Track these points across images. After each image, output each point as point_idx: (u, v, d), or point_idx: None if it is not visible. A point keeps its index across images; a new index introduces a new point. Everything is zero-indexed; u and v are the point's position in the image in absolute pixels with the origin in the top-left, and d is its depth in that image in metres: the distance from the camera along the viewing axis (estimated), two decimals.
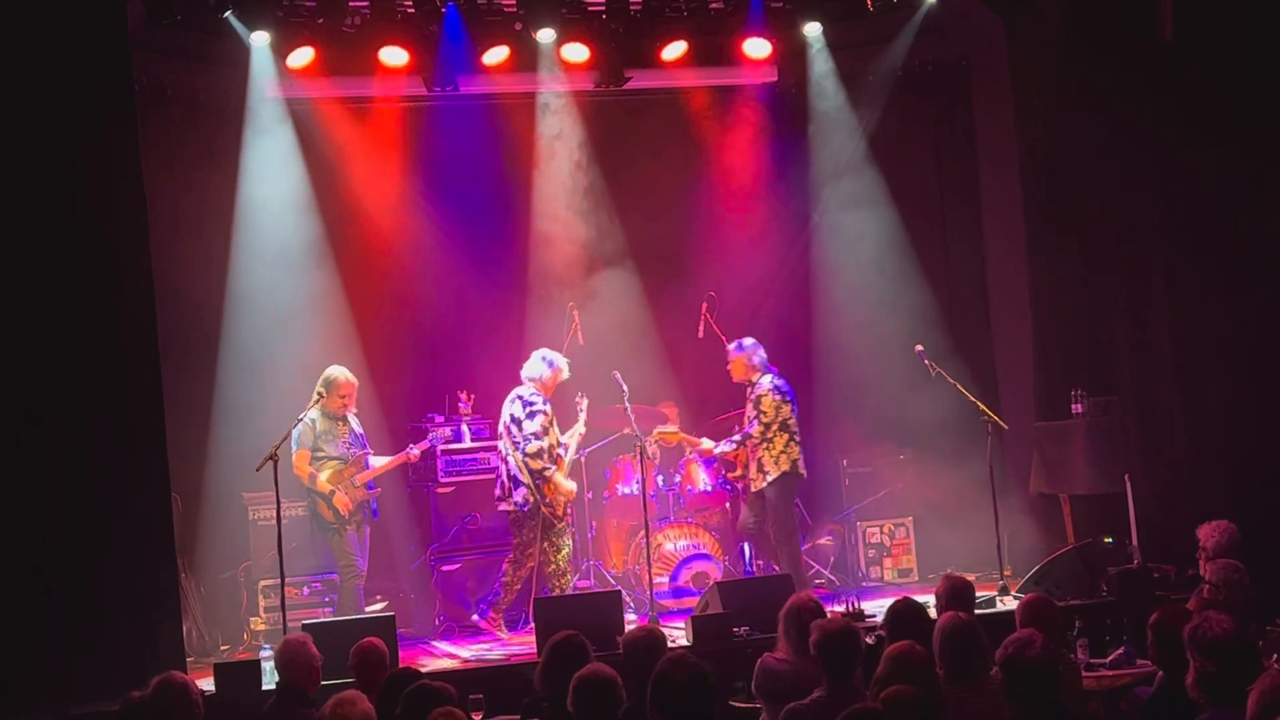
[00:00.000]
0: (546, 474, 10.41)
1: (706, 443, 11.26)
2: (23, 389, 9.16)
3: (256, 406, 11.33)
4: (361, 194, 12.28)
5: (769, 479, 10.81)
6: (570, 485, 10.65)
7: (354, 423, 10.54)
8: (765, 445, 10.90)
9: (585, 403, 10.91)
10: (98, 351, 9.35)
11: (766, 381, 10.85)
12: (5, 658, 8.90)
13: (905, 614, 6.80)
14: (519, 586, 10.65)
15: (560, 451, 10.63)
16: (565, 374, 10.70)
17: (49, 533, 9.10)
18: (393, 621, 9.29)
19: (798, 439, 10.98)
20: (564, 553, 10.58)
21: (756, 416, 10.75)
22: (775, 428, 10.89)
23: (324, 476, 10.38)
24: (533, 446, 10.38)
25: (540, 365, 10.64)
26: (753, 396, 10.86)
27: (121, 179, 9.42)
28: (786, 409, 10.85)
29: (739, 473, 11.16)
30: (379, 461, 10.66)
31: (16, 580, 9.01)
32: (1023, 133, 11.87)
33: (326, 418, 10.36)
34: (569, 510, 10.76)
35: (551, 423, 10.57)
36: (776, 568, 11.56)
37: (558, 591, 10.47)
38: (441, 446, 11.25)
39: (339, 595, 10.50)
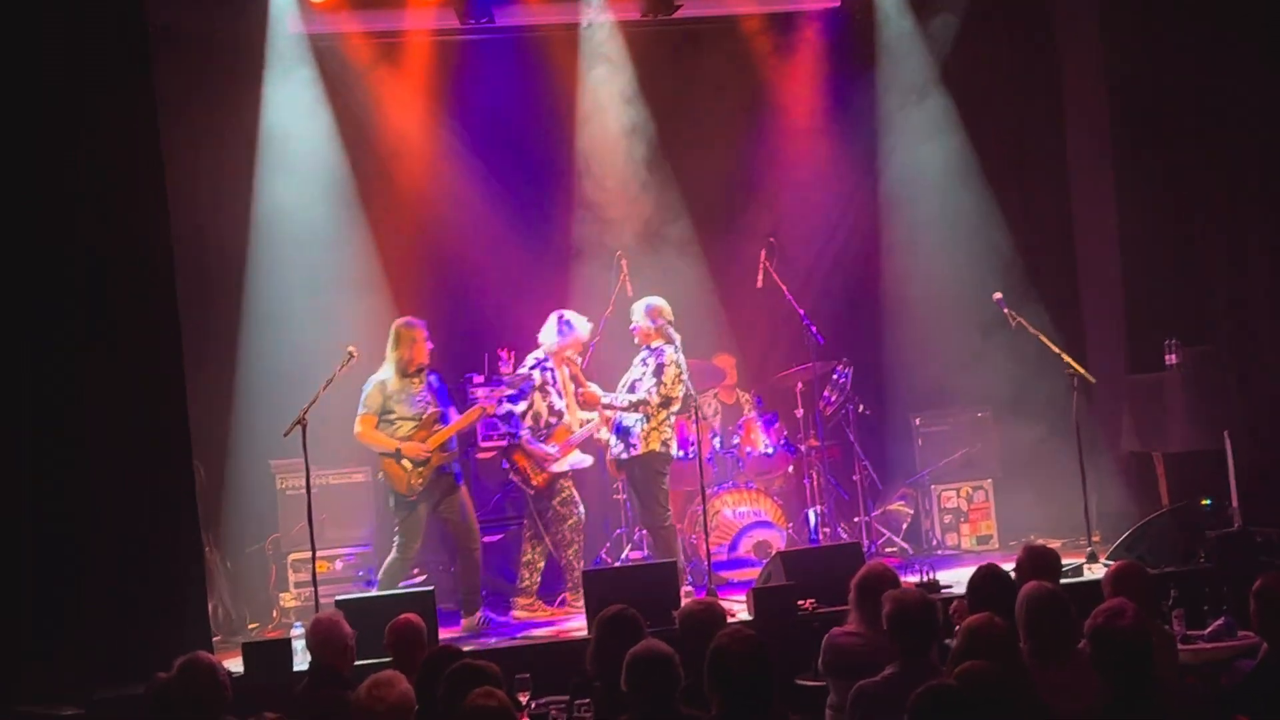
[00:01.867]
0: (513, 440, 10.62)
1: (594, 388, 10.79)
2: (36, 353, 9.27)
3: (284, 367, 11.41)
4: (392, 138, 12.31)
5: (634, 452, 10.58)
6: (557, 455, 10.67)
7: (432, 378, 10.47)
8: (644, 417, 10.65)
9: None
10: (115, 311, 9.43)
11: (671, 351, 10.58)
12: (27, 642, 9.00)
13: (987, 583, 6.78)
14: (542, 564, 10.77)
15: (552, 420, 10.69)
16: (585, 335, 10.75)
17: (66, 510, 9.19)
18: (432, 597, 9.34)
19: (674, 420, 10.83)
20: (570, 522, 10.68)
21: (655, 386, 10.49)
22: (664, 402, 10.65)
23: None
24: (503, 409, 10.61)
25: (550, 330, 10.72)
26: (653, 363, 10.58)
27: (136, 130, 9.47)
28: (679, 388, 10.60)
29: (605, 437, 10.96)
30: (453, 419, 10.54)
31: (35, 561, 9.11)
32: (1111, 63, 11.78)
33: (400, 375, 10.30)
34: (564, 481, 10.76)
35: (545, 389, 10.69)
36: (845, 536, 11.69)
37: (564, 563, 10.64)
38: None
39: (384, 570, 10.35)
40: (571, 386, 10.84)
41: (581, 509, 10.84)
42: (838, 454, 12.39)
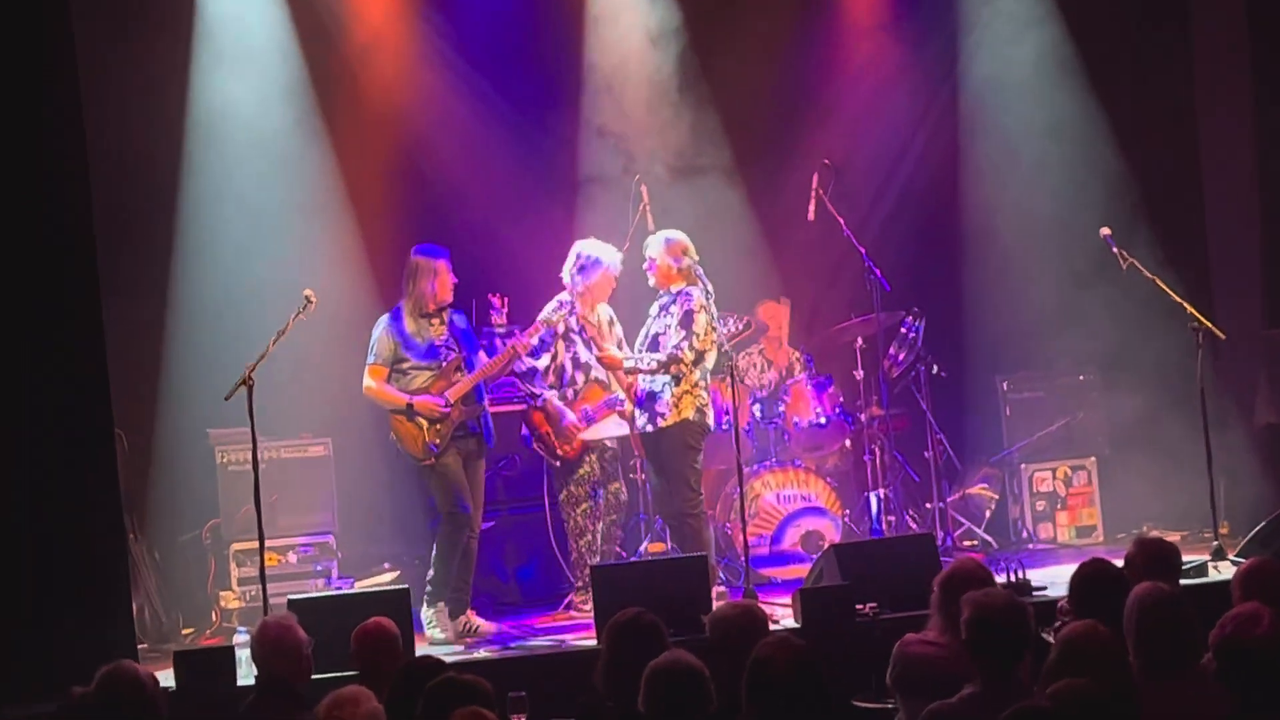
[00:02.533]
0: (535, 400, 10.72)
1: (612, 349, 10.75)
2: None
3: (226, 313, 11.51)
4: (362, 33, 12.35)
5: (662, 422, 10.56)
6: (583, 424, 10.74)
7: (456, 317, 10.59)
8: (673, 379, 10.61)
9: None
10: (14, 237, 9.40)
11: (700, 294, 10.54)
12: None
13: (1097, 583, 6.76)
14: (589, 538, 10.83)
15: (577, 376, 10.75)
16: (614, 266, 10.72)
17: None
18: (407, 596, 9.38)
19: (709, 382, 10.82)
20: (582, 507, 10.79)
21: (687, 338, 10.45)
22: (697, 359, 10.60)
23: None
24: (523, 365, 10.65)
25: (569, 268, 10.76)
26: (678, 311, 10.53)
27: (38, 8, 9.44)
28: (711, 338, 10.57)
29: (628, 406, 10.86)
30: (480, 365, 10.52)
31: None
32: None
33: (417, 315, 10.42)
34: (591, 455, 10.84)
35: (570, 338, 10.74)
36: (914, 526, 11.77)
37: (574, 555, 10.79)
38: None
39: (440, 548, 10.34)
40: (609, 330, 10.84)
41: (605, 491, 10.89)
42: (906, 425, 12.43)
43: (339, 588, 11.13)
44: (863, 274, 11.59)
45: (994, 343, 12.91)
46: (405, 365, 10.34)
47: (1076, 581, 6.84)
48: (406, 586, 9.79)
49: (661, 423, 10.49)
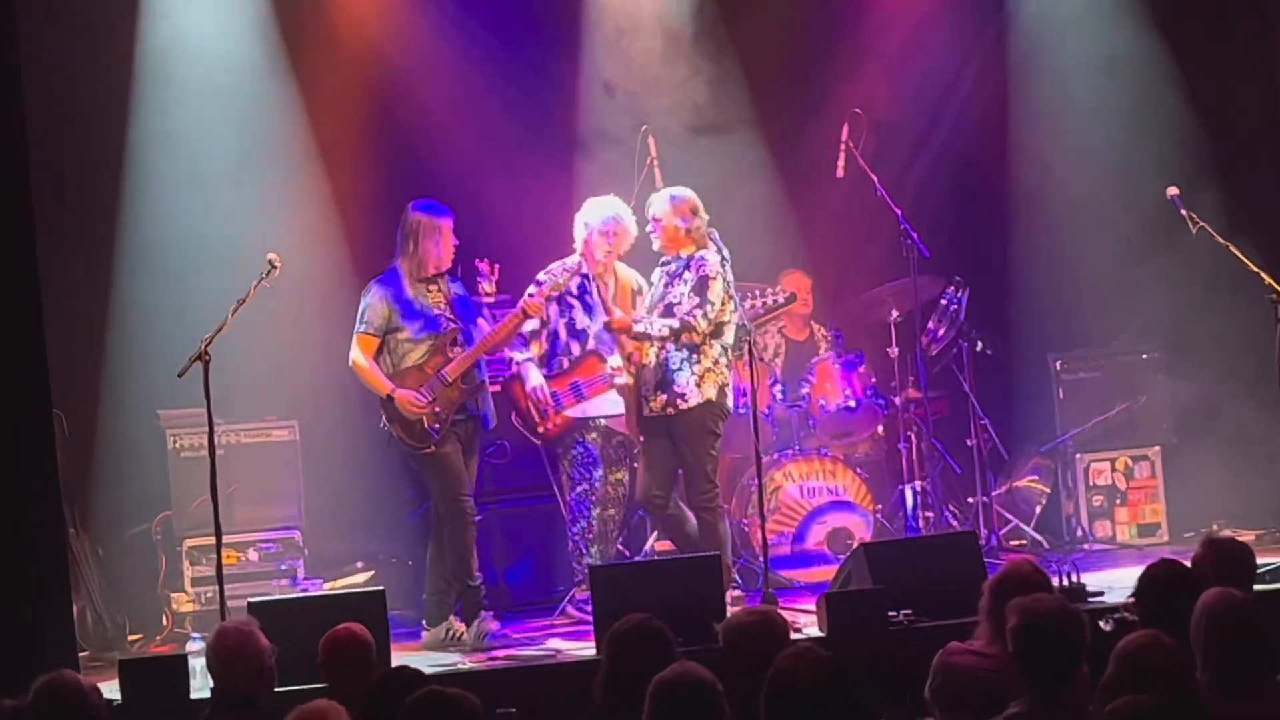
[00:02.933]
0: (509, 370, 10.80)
1: (620, 313, 10.67)
2: None
3: (179, 278, 11.56)
4: None
5: (686, 403, 10.54)
6: (560, 404, 10.74)
7: (455, 286, 10.60)
8: (695, 351, 10.57)
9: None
10: None
11: (715, 259, 10.53)
12: None
13: (1169, 585, 6.72)
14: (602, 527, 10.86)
15: (571, 343, 10.79)
16: (625, 226, 10.67)
17: None
18: (382, 600, 9.40)
19: (729, 358, 10.78)
20: (579, 489, 10.83)
21: (701, 306, 10.43)
22: (715, 331, 10.60)
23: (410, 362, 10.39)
24: (527, 326, 10.72)
25: (578, 223, 10.76)
26: (691, 277, 10.50)
27: None
28: (730, 308, 10.57)
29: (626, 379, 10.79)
30: (480, 337, 10.49)
31: None
32: None
33: (414, 280, 10.42)
34: (586, 434, 10.84)
35: (567, 301, 10.77)
36: (955, 523, 11.76)
37: (570, 545, 10.81)
38: None
39: (436, 546, 10.39)
40: (633, 300, 10.85)
41: (604, 476, 10.86)
42: (946, 409, 12.46)
43: (305, 589, 11.13)
44: (898, 238, 11.56)
45: (1046, 317, 12.89)
46: (401, 336, 10.33)
47: (1145, 583, 6.82)
48: (382, 588, 9.80)
49: (684, 404, 10.46)
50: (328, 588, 11.31)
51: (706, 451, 10.53)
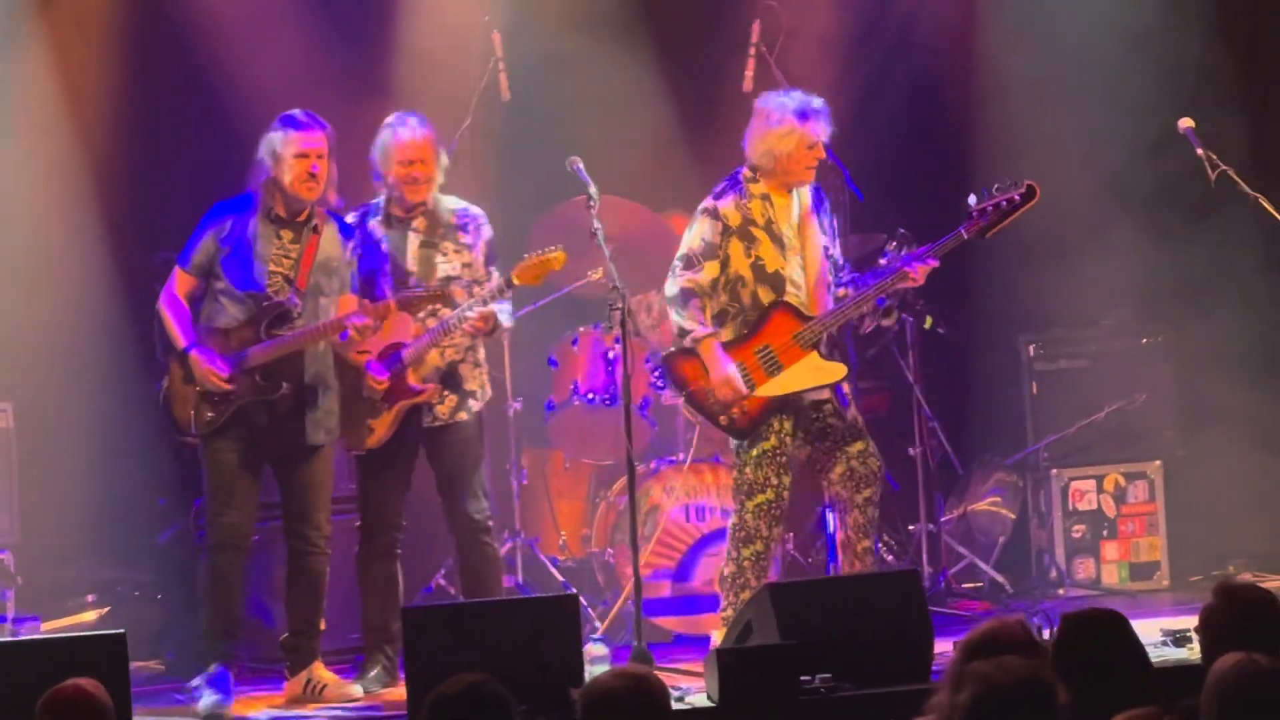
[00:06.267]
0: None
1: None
2: None
3: None
4: None
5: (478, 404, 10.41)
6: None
7: (339, 240, 9.87)
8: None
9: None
10: None
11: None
12: None
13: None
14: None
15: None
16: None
17: None
18: (122, 645, 8.64)
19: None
20: None
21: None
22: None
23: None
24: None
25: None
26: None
27: None
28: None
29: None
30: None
31: None
32: None
33: (267, 219, 9.74)
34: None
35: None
36: (891, 557, 11.57)
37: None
38: None
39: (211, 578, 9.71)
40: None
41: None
42: (885, 406, 12.13)
43: (17, 631, 10.56)
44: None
45: (1015, 286, 12.09)
46: (219, 286, 9.80)
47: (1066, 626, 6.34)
48: (122, 630, 8.94)
49: (475, 405, 10.27)
50: (47, 629, 10.79)
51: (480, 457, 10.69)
